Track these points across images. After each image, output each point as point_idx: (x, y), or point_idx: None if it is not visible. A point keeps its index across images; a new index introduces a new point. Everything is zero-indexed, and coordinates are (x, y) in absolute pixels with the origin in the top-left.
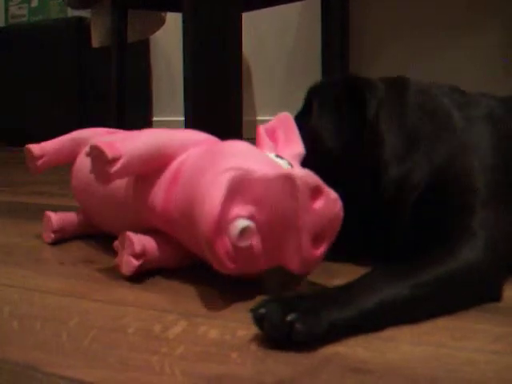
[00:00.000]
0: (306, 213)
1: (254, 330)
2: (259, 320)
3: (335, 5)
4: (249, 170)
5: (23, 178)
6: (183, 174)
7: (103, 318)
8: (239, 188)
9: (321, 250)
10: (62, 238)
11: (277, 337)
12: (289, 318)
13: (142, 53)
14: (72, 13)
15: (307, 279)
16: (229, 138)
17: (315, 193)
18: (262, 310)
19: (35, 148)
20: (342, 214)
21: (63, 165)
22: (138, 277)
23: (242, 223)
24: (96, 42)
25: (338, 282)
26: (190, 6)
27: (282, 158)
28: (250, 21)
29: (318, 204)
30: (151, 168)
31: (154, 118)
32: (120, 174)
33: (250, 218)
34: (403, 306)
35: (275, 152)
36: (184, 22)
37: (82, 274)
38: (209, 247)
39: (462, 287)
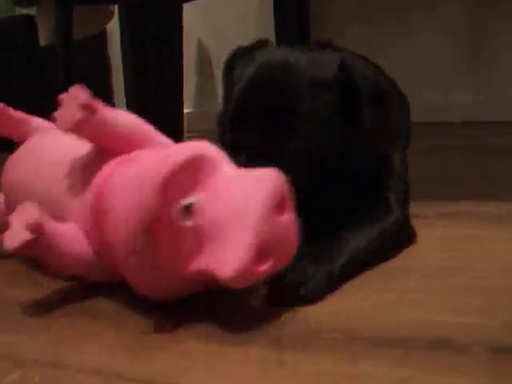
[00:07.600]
0: (265, 219)
1: None
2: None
3: None
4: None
5: None
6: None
7: None
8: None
9: (263, 267)
10: None
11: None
12: (301, 292)
13: (98, 47)
14: (20, 11)
15: None
16: (169, 130)
17: (281, 205)
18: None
19: None
20: (296, 240)
21: None
22: None
23: (188, 200)
24: (43, 39)
25: None
26: None
27: None
28: (210, 12)
29: (281, 217)
30: (115, 141)
31: None
32: (86, 125)
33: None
34: (366, 253)
35: None
36: (120, 14)
37: None
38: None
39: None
